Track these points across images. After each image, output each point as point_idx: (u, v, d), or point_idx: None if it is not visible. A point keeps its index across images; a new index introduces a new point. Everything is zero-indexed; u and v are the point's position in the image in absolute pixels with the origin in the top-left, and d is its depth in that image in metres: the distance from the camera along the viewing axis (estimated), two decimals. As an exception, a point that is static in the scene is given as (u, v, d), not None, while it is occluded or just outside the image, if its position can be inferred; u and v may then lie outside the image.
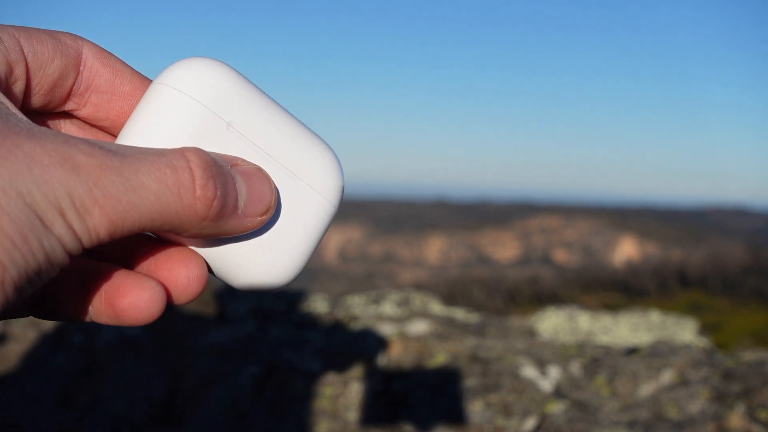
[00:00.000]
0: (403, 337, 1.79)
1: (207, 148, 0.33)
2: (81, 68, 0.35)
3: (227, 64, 0.34)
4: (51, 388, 1.45)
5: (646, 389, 1.58)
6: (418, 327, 1.85)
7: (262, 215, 0.33)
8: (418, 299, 2.24)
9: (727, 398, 1.49)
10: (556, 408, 1.49)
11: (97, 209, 0.27)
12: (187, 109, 0.33)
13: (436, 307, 2.19)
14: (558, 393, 1.57)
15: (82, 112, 0.36)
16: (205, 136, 0.33)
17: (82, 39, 0.35)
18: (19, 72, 0.32)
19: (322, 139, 0.37)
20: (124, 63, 0.36)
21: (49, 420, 1.36)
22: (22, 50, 0.32)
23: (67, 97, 0.35)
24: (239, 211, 0.32)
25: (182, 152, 0.30)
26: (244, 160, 0.33)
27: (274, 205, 0.33)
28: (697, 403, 1.49)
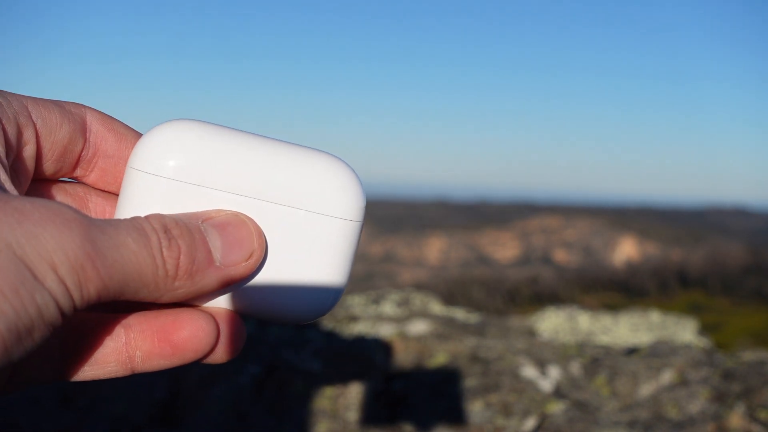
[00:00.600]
0: (403, 337, 1.79)
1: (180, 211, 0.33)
2: (87, 134, 0.35)
3: (195, 123, 0.34)
4: (51, 388, 1.45)
5: (646, 389, 1.58)
6: (418, 327, 1.85)
7: (247, 260, 0.32)
8: (418, 299, 2.24)
9: (727, 398, 1.49)
10: (556, 408, 1.49)
11: (89, 264, 0.27)
12: (149, 186, 0.34)
13: (436, 307, 2.19)
14: (558, 393, 1.57)
15: (90, 178, 0.37)
16: (175, 204, 0.33)
17: (84, 106, 0.36)
18: (28, 135, 0.33)
19: (324, 156, 0.35)
20: (127, 126, 0.37)
21: (49, 420, 1.36)
22: (31, 115, 0.33)
23: (77, 163, 0.36)
24: (217, 263, 0.32)
25: (145, 218, 0.31)
26: (219, 211, 0.33)
27: (259, 248, 0.33)
28: (697, 403, 1.49)
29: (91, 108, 0.36)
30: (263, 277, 0.34)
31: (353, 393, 1.53)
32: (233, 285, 0.34)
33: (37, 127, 0.33)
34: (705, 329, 2.29)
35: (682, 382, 1.58)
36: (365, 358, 1.67)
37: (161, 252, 0.30)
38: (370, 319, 1.96)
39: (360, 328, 1.90)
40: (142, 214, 0.32)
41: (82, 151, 0.35)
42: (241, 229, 0.33)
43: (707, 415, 1.44)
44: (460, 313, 2.16)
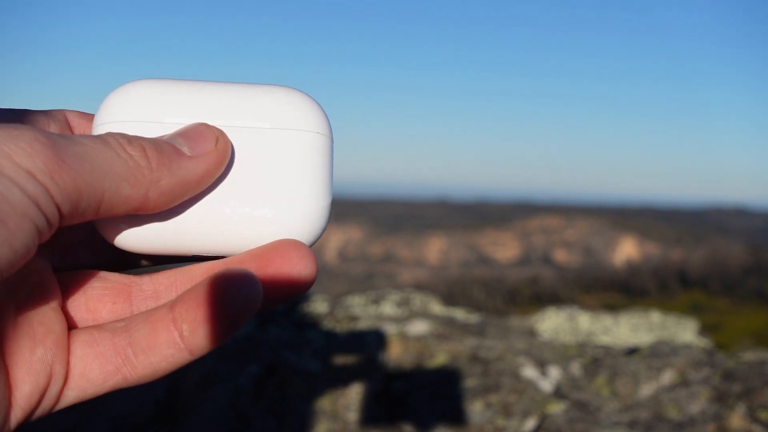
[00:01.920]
0: (403, 337, 1.79)
1: None
2: (72, 130, 0.37)
3: (155, 79, 0.36)
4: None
5: (646, 389, 1.57)
6: (418, 327, 1.85)
7: (215, 146, 0.33)
8: (418, 299, 2.24)
9: (727, 398, 1.49)
10: (557, 408, 1.49)
11: (49, 151, 0.27)
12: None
13: (436, 308, 2.19)
14: (558, 393, 1.56)
15: None
16: None
17: (63, 109, 0.37)
18: None
19: (281, 86, 0.36)
20: None
21: (49, 421, 1.36)
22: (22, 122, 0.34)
23: None
24: (186, 153, 0.32)
25: (103, 133, 0.32)
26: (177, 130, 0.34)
27: (221, 135, 0.34)
28: (698, 404, 1.49)
29: (68, 109, 0.38)
30: (244, 203, 0.35)
31: (353, 393, 1.52)
32: (214, 179, 0.34)
33: None
34: (705, 329, 2.29)
35: (683, 382, 1.58)
36: (365, 358, 1.67)
37: (124, 149, 0.30)
38: (370, 320, 1.96)
39: (360, 329, 1.90)
40: None
41: None
42: (198, 126, 0.34)
43: (708, 416, 1.43)
44: (460, 314, 2.16)
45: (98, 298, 0.35)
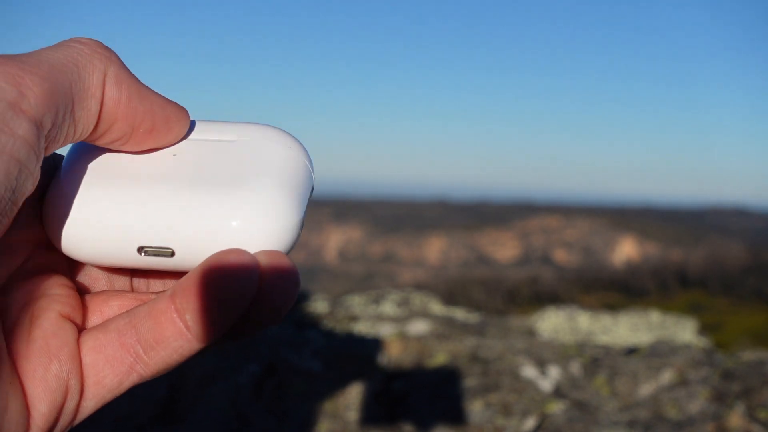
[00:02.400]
0: (403, 337, 1.79)
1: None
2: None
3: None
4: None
5: (645, 389, 1.58)
6: (418, 327, 1.85)
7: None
8: (418, 299, 2.24)
9: (726, 398, 1.49)
10: (556, 408, 1.49)
11: (15, 62, 0.27)
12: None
13: (436, 307, 2.19)
14: (558, 393, 1.57)
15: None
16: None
17: None
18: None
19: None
20: None
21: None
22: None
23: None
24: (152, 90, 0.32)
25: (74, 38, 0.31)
26: None
27: (185, 112, 0.33)
28: (697, 403, 1.49)
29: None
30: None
31: (353, 393, 1.53)
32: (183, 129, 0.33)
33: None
34: (705, 329, 2.29)
35: (682, 382, 1.58)
36: (365, 358, 1.67)
37: (93, 47, 0.30)
38: (370, 319, 1.96)
39: (360, 328, 1.90)
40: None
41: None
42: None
43: (707, 415, 1.44)
44: (460, 313, 2.16)
45: (104, 298, 0.34)
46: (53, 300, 0.32)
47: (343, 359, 1.64)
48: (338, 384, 1.55)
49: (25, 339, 0.30)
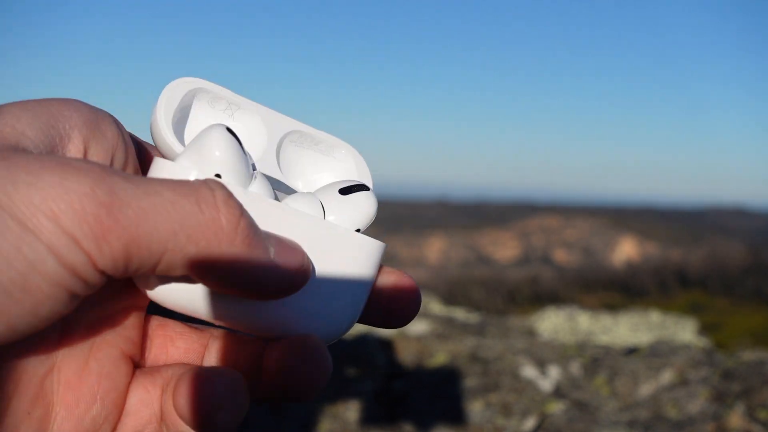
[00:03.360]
0: (403, 337, 1.79)
1: None
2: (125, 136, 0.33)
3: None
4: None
5: (645, 389, 1.58)
6: (418, 327, 1.85)
7: (297, 268, 0.29)
8: (418, 299, 2.24)
9: (726, 398, 1.49)
10: (556, 408, 1.49)
11: (102, 211, 0.23)
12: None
13: (436, 307, 2.19)
14: (558, 393, 1.57)
15: None
16: None
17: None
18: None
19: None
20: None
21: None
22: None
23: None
24: (271, 256, 0.28)
25: (201, 179, 0.27)
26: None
27: (308, 265, 0.29)
28: (697, 403, 1.49)
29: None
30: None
31: (353, 393, 1.53)
32: (282, 294, 0.30)
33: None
34: (705, 329, 2.29)
35: (682, 381, 1.58)
36: (365, 358, 1.67)
37: (215, 205, 0.25)
38: (370, 319, 1.97)
39: (360, 328, 1.90)
40: None
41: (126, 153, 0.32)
42: (294, 244, 0.30)
43: (707, 415, 1.44)
44: (460, 313, 2.16)
45: (171, 335, 0.33)
46: (119, 336, 0.30)
47: (343, 359, 1.64)
48: (338, 384, 1.55)
49: (79, 369, 0.28)
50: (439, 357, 1.71)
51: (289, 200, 0.34)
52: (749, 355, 1.78)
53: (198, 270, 0.26)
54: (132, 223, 0.24)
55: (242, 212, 0.26)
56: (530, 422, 1.44)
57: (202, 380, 0.29)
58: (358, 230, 0.34)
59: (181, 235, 0.25)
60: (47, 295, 0.23)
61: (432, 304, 2.21)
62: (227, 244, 0.26)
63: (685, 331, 2.19)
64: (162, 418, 0.30)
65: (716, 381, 1.56)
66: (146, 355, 0.32)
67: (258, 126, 0.37)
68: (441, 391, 1.57)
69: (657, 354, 1.71)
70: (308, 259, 0.30)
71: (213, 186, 0.26)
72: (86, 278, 0.24)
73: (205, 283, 0.27)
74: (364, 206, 0.34)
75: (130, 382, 0.30)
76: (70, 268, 0.23)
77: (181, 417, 0.29)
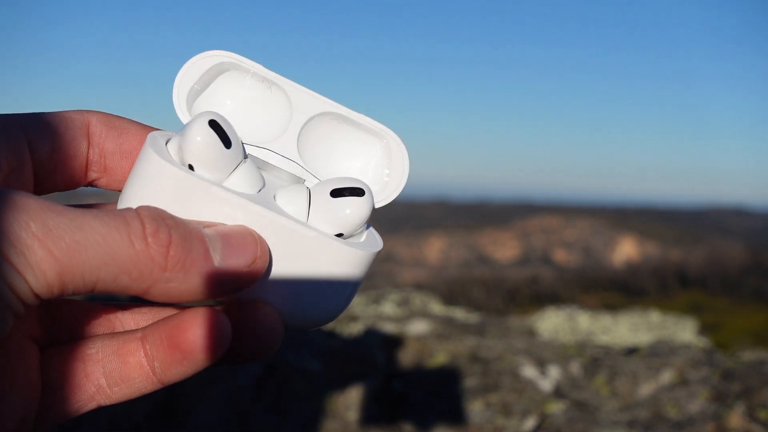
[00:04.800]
0: (403, 337, 1.79)
1: (188, 211, 0.31)
2: (90, 137, 0.34)
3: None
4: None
5: (645, 389, 1.58)
6: (418, 327, 1.85)
7: (249, 266, 0.30)
8: (418, 299, 2.24)
9: (726, 398, 1.49)
10: (556, 408, 1.49)
11: (37, 243, 0.26)
12: (166, 174, 0.31)
13: (436, 307, 2.19)
14: (558, 393, 1.57)
15: (103, 181, 0.36)
16: (186, 201, 0.31)
17: (88, 111, 0.35)
18: (20, 149, 0.32)
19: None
20: (130, 120, 0.36)
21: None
22: (23, 129, 0.32)
23: (86, 167, 0.35)
24: (215, 262, 0.29)
25: (134, 209, 0.29)
26: (225, 225, 0.31)
27: (262, 255, 0.31)
28: (697, 403, 1.49)
29: (95, 111, 0.35)
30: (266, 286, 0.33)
31: (353, 393, 1.53)
32: (231, 294, 0.31)
33: (30, 138, 0.32)
34: (705, 329, 2.29)
35: (682, 381, 1.58)
36: (365, 358, 1.67)
37: (144, 237, 0.27)
38: (370, 319, 1.96)
39: (360, 328, 1.90)
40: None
41: (88, 155, 0.34)
42: (245, 237, 0.31)
43: (707, 415, 1.44)
44: (460, 313, 2.16)
45: (72, 311, 0.34)
46: (21, 320, 0.31)
47: (343, 359, 1.64)
48: (338, 384, 1.55)
49: None
50: (439, 357, 1.71)
51: (280, 192, 0.34)
52: (749, 355, 1.78)
53: (134, 294, 0.29)
54: (64, 255, 0.26)
55: (171, 240, 0.28)
56: (530, 422, 1.44)
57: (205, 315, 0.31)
58: (340, 235, 0.34)
59: (113, 266, 0.27)
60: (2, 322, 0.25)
61: (432, 304, 2.21)
62: (158, 273, 0.28)
63: (685, 331, 2.19)
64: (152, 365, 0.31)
65: (716, 381, 1.56)
66: (53, 329, 0.33)
67: (284, 104, 0.36)
68: (441, 391, 1.57)
69: (657, 354, 1.71)
70: (263, 250, 0.31)
71: (144, 217, 0.28)
72: (25, 300, 0.26)
73: (150, 298, 0.29)
74: (349, 213, 0.33)
75: (42, 357, 0.32)
76: (13, 289, 0.26)
77: (189, 351, 0.30)
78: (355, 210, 0.33)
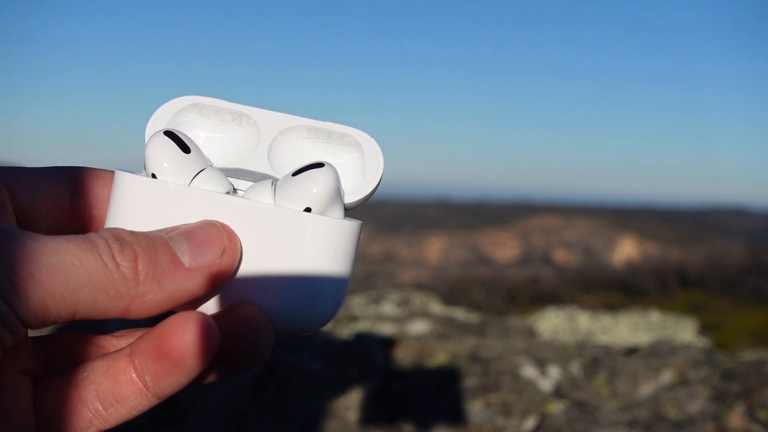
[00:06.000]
0: (403, 337, 1.79)
1: (160, 217, 0.32)
2: (73, 187, 0.35)
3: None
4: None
5: (645, 389, 1.58)
6: (418, 327, 1.85)
7: (220, 258, 0.30)
8: (418, 299, 2.24)
9: (726, 398, 1.49)
10: (556, 408, 1.49)
11: (18, 272, 0.26)
12: (130, 185, 0.33)
13: (436, 307, 2.19)
14: (558, 393, 1.57)
15: (93, 228, 0.36)
16: (154, 207, 0.32)
17: (71, 166, 0.36)
18: (1, 197, 0.32)
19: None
20: (106, 170, 0.36)
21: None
22: (3, 179, 0.33)
23: (70, 215, 0.35)
24: (186, 265, 0.30)
25: (98, 232, 0.29)
26: (186, 224, 0.32)
27: (231, 244, 0.31)
28: (697, 403, 1.49)
29: (76, 166, 0.36)
30: (249, 282, 0.33)
31: (353, 393, 1.53)
32: (214, 290, 0.32)
33: (10, 184, 0.33)
34: (705, 329, 2.29)
35: (682, 381, 1.58)
36: (365, 358, 1.67)
37: (112, 257, 0.28)
38: (370, 319, 1.96)
39: (360, 328, 1.90)
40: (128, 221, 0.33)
41: (71, 203, 0.35)
42: (209, 230, 0.31)
43: (707, 415, 1.44)
44: (460, 313, 2.16)
45: (61, 341, 0.34)
46: (11, 354, 0.31)
47: (343, 359, 1.64)
48: (338, 384, 1.55)
49: None
50: (439, 357, 1.71)
51: (248, 189, 0.35)
52: (749, 355, 1.78)
53: (116, 316, 0.29)
54: (45, 277, 0.26)
55: (137, 255, 0.29)
56: (530, 422, 1.44)
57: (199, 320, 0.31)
58: (308, 209, 0.33)
59: (90, 287, 0.28)
60: None
61: (432, 304, 2.22)
62: (134, 289, 0.29)
63: (685, 331, 2.19)
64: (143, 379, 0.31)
65: (716, 381, 1.56)
66: (43, 361, 0.33)
67: (252, 130, 0.37)
68: (441, 391, 1.57)
69: (657, 354, 1.71)
70: (230, 238, 0.31)
71: (108, 238, 0.29)
72: (10, 327, 0.26)
73: (132, 316, 0.30)
74: (311, 184, 0.33)
75: (34, 390, 0.32)
76: (5, 323, 0.26)
77: (181, 356, 0.30)
78: (317, 180, 0.33)
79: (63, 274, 0.27)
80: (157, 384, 0.31)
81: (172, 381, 0.31)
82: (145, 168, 0.33)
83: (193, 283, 0.30)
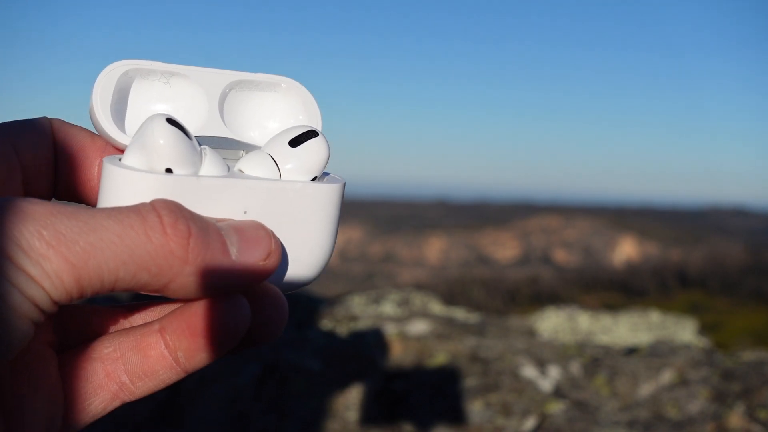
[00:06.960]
0: (403, 337, 1.79)
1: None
2: (53, 139, 0.34)
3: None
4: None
5: (645, 389, 1.58)
6: (418, 327, 1.85)
7: (264, 260, 0.30)
8: (418, 299, 2.24)
9: (726, 398, 1.49)
10: (556, 408, 1.49)
11: (51, 251, 0.25)
12: (150, 186, 0.31)
13: (436, 307, 2.19)
14: (558, 393, 1.57)
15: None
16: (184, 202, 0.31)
17: (46, 117, 0.35)
18: (11, 158, 0.32)
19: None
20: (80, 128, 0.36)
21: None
22: (9, 138, 0.32)
23: (54, 172, 0.35)
24: (232, 255, 0.29)
25: (148, 202, 0.28)
26: (234, 220, 0.32)
27: (276, 249, 0.31)
28: (697, 403, 1.49)
29: (54, 119, 0.35)
30: None
31: (353, 393, 1.53)
32: (242, 290, 0.32)
33: (15, 143, 0.32)
34: (705, 329, 2.29)
35: (682, 382, 1.58)
36: (365, 358, 1.67)
37: (163, 230, 0.27)
38: (370, 319, 1.96)
39: (360, 328, 1.90)
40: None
41: (57, 158, 0.34)
42: (258, 230, 0.31)
43: (707, 415, 1.44)
44: (460, 313, 2.16)
45: (83, 315, 0.34)
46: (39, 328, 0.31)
47: (343, 359, 1.64)
48: (338, 384, 1.55)
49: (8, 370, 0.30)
50: (439, 357, 1.71)
51: (242, 164, 0.35)
52: (749, 355, 1.78)
53: (153, 292, 0.29)
54: (80, 260, 0.26)
55: (191, 232, 0.28)
56: (530, 422, 1.45)
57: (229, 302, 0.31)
58: (314, 179, 0.35)
59: (131, 264, 0.27)
60: (15, 326, 0.25)
61: (432, 304, 2.22)
62: (179, 267, 0.28)
63: (685, 331, 2.19)
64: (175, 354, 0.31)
65: (716, 381, 1.56)
66: (66, 334, 0.33)
67: (195, 89, 0.36)
68: (441, 391, 1.57)
69: (657, 354, 1.71)
70: (276, 244, 0.31)
71: (160, 210, 0.28)
72: (44, 308, 0.26)
73: (168, 294, 0.29)
74: (315, 154, 0.34)
75: (59, 363, 0.32)
76: (31, 300, 0.25)
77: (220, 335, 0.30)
78: (319, 148, 0.35)
79: (100, 255, 0.26)
80: (189, 360, 0.31)
81: (204, 357, 0.31)
82: (149, 158, 0.32)
83: (236, 277, 0.30)
